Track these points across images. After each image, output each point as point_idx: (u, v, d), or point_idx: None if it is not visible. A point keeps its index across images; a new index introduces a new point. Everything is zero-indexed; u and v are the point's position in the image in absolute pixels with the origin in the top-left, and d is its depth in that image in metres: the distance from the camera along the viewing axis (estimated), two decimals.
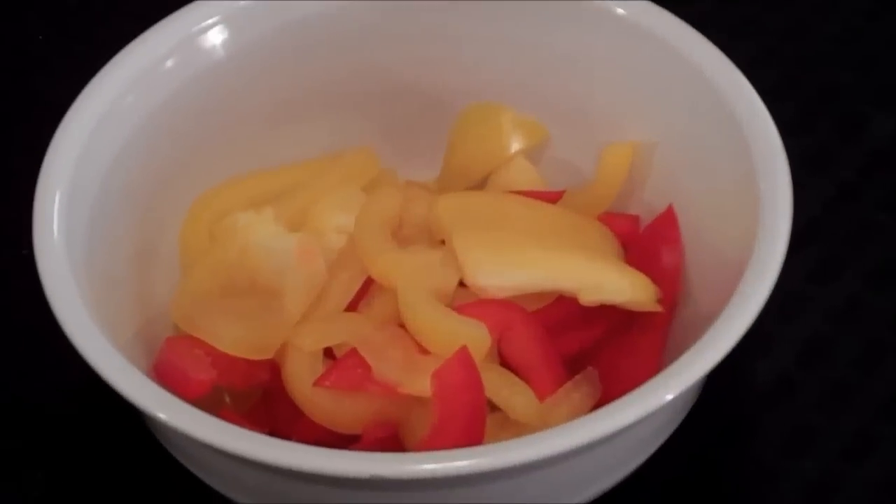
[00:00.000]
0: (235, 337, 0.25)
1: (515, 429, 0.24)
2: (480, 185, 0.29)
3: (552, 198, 0.28)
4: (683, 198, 0.27)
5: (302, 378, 0.25)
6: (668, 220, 0.27)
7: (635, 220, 0.27)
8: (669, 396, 0.22)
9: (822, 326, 0.29)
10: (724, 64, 0.26)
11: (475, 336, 0.24)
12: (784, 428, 0.27)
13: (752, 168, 0.25)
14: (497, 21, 0.28)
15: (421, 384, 0.24)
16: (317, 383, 0.25)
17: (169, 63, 0.27)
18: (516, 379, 0.25)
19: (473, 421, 0.24)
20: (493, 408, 0.25)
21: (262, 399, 0.26)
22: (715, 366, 0.23)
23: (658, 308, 0.26)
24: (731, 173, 0.25)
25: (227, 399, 0.26)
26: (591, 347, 0.26)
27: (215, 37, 0.27)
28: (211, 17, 0.27)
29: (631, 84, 0.27)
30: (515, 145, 0.28)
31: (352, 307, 0.26)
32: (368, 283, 0.26)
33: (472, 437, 0.24)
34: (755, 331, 0.23)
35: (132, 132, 0.27)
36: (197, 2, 0.27)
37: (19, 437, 0.27)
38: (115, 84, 0.26)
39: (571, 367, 0.26)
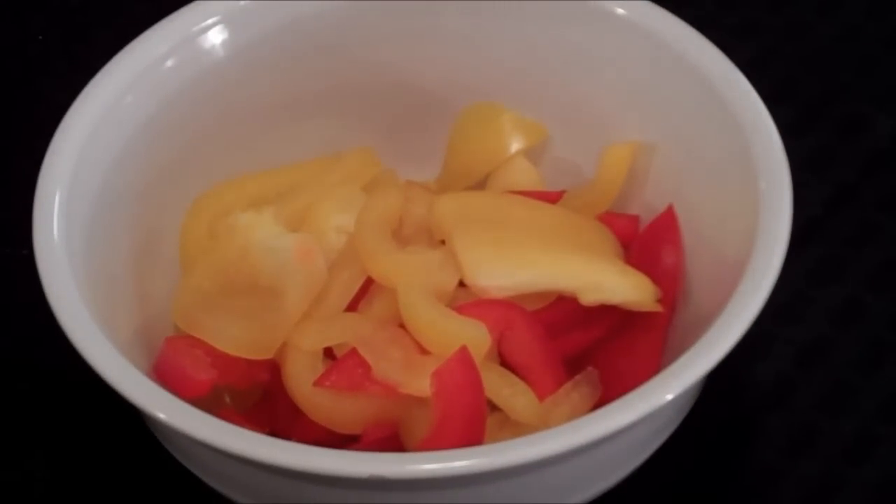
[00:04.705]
0: (235, 337, 0.25)
1: (515, 429, 0.24)
2: (480, 185, 0.29)
3: (552, 198, 0.27)
4: (683, 198, 0.27)
5: (302, 378, 0.25)
6: (668, 220, 0.27)
7: (635, 220, 0.27)
8: (669, 396, 0.22)
9: (821, 326, 0.29)
10: (724, 64, 0.26)
11: (475, 336, 0.24)
12: (784, 428, 0.27)
13: (752, 168, 0.25)
14: (497, 21, 0.28)
15: (421, 384, 0.24)
16: (317, 383, 0.25)
17: (169, 63, 0.27)
18: (516, 379, 0.25)
19: (473, 421, 0.24)
20: (493, 408, 0.25)
21: (262, 399, 0.26)
22: (715, 366, 0.23)
23: (658, 308, 0.26)
24: (731, 173, 0.25)
25: (227, 399, 0.26)
26: (591, 347, 0.26)
27: (215, 37, 0.27)
28: (211, 17, 0.27)
29: (631, 84, 0.27)
30: (515, 145, 0.28)
31: (352, 307, 0.26)
32: (368, 283, 0.26)
33: (472, 438, 0.24)
34: (755, 331, 0.23)
35: (132, 132, 0.27)
36: (197, 2, 0.27)
37: (19, 437, 0.27)
38: (115, 84, 0.26)
39: (571, 367, 0.26)
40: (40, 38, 0.33)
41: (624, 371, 0.25)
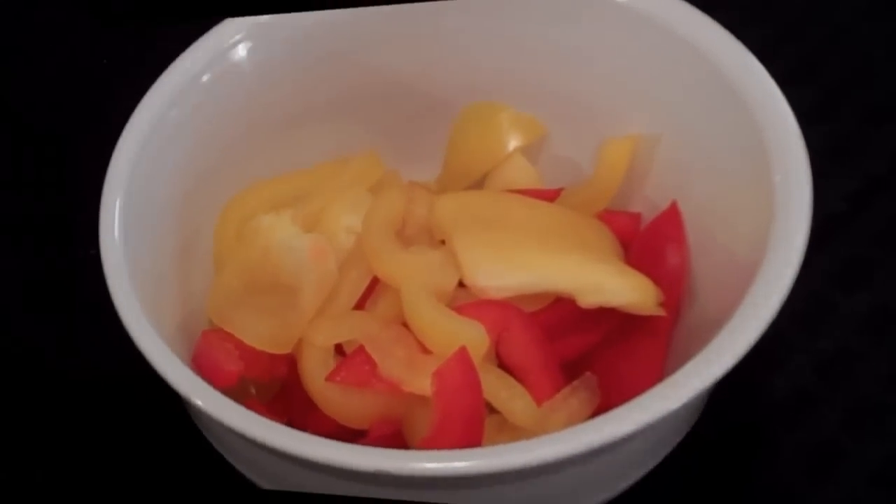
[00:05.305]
0: (258, 331, 0.26)
1: (513, 432, 0.24)
2: (479, 183, 0.28)
3: (550, 196, 0.27)
4: (689, 193, 0.25)
5: (315, 372, 0.26)
6: (671, 218, 0.25)
7: (636, 217, 0.26)
8: (671, 408, 0.21)
9: (846, 336, 0.26)
10: (733, 46, 0.24)
11: (473, 336, 0.25)
12: (803, 449, 0.25)
13: (766, 159, 0.23)
14: (497, 17, 0.27)
15: (422, 383, 0.25)
16: (328, 379, 0.26)
17: (204, 78, 0.29)
18: (514, 382, 0.25)
19: (472, 421, 0.24)
20: (492, 409, 0.25)
21: (282, 391, 0.28)
22: (722, 377, 0.21)
23: (660, 312, 0.24)
24: (743, 165, 0.24)
25: (252, 390, 0.28)
26: (591, 352, 0.25)
27: (242, 51, 0.29)
28: (238, 33, 0.29)
29: (633, 73, 0.26)
30: (513, 142, 0.28)
31: (360, 305, 0.27)
32: (375, 282, 0.27)
33: (470, 438, 0.24)
34: (771, 340, 0.22)
35: (176, 143, 0.29)
36: (226, 20, 0.29)
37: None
38: (162, 99, 0.28)
39: (570, 371, 0.25)
40: (105, 62, 0.36)
41: (625, 377, 0.24)
